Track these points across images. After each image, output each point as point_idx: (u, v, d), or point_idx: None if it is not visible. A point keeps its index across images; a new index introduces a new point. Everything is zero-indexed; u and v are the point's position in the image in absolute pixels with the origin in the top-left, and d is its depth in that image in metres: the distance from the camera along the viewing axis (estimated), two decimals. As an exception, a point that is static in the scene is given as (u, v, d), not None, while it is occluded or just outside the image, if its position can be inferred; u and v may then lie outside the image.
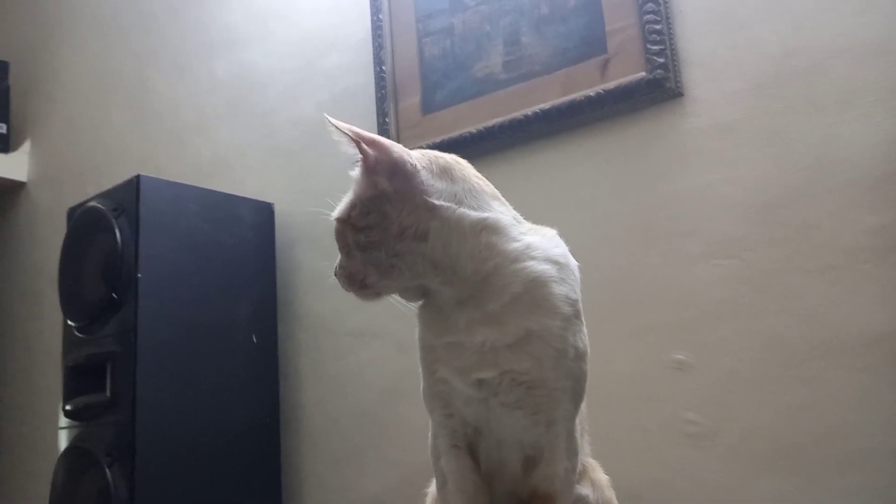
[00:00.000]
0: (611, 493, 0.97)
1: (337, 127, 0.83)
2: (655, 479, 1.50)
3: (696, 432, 1.47)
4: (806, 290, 1.39)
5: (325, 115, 0.89)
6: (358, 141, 0.83)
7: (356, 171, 0.85)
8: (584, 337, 0.86)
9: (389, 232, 0.81)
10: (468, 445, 0.86)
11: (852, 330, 1.34)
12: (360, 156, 0.83)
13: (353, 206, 0.84)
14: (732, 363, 1.45)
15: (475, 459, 0.86)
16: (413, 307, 0.90)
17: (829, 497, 1.33)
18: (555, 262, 0.84)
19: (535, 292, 0.81)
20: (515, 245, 0.83)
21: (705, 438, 1.47)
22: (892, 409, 1.30)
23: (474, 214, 0.83)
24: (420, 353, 0.88)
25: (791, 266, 1.41)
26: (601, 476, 0.98)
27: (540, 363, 0.79)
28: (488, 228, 0.82)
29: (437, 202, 0.82)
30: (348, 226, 0.84)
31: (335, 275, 0.87)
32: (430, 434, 0.91)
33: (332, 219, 0.87)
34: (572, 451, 0.85)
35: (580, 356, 0.84)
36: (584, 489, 0.94)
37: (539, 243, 0.85)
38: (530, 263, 0.82)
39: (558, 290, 0.82)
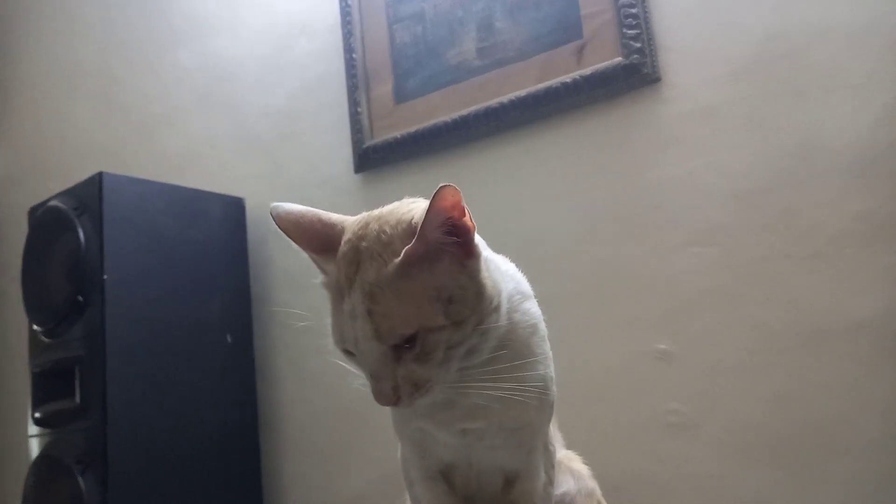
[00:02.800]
0: (593, 483, 0.95)
1: (467, 214, 0.69)
2: (639, 471, 1.48)
3: (680, 422, 1.46)
4: (790, 278, 1.38)
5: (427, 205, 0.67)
6: (473, 228, 0.69)
7: (444, 263, 0.68)
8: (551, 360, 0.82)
9: (480, 312, 0.69)
10: (442, 473, 0.82)
11: (837, 317, 1.33)
12: (455, 240, 0.68)
13: (446, 301, 0.67)
14: (716, 352, 1.44)
15: (450, 483, 0.82)
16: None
17: (816, 486, 1.32)
18: (526, 296, 0.79)
19: (523, 340, 0.76)
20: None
21: (689, 429, 1.45)
22: (879, 396, 1.29)
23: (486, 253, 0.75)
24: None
25: (775, 253, 1.39)
26: (580, 466, 0.97)
27: (526, 407, 0.76)
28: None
29: (484, 254, 0.73)
30: (447, 328, 0.67)
31: (380, 393, 0.69)
32: (399, 453, 0.88)
33: (425, 328, 0.67)
34: (549, 465, 0.84)
35: (552, 383, 0.81)
36: (566, 483, 0.92)
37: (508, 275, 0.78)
38: (515, 314, 0.75)
39: (539, 327, 0.79)
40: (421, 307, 0.66)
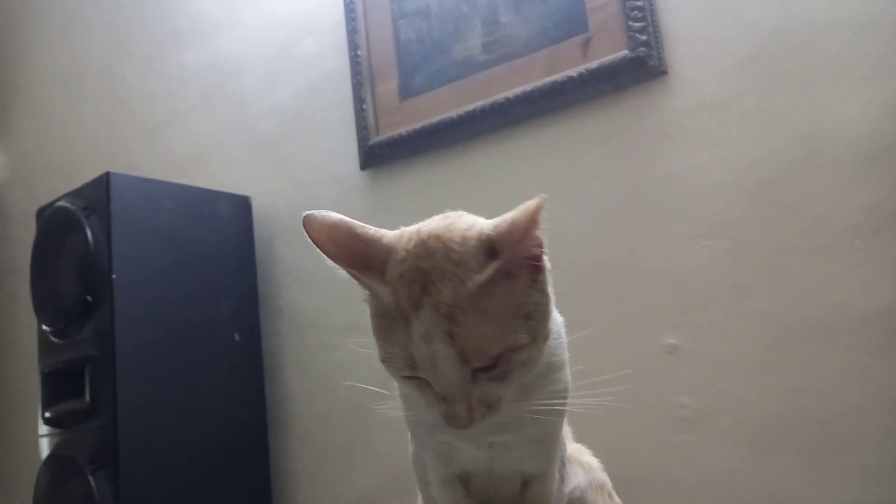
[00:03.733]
0: (604, 476, 0.95)
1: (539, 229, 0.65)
2: (650, 465, 1.48)
3: (690, 417, 1.45)
4: (798, 270, 1.37)
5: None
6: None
7: (521, 278, 0.66)
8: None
9: (547, 326, 0.68)
10: (459, 476, 0.82)
11: (846, 309, 1.32)
12: (531, 255, 0.66)
13: (525, 318, 0.65)
14: (726, 346, 1.43)
15: (466, 486, 0.82)
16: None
17: (826, 477, 1.32)
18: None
19: (553, 349, 0.74)
20: None
21: (699, 422, 1.44)
22: (888, 387, 1.28)
23: None
24: (412, 416, 0.79)
25: (783, 246, 1.39)
26: (590, 459, 0.96)
27: (552, 415, 0.74)
28: None
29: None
30: (526, 346, 0.65)
31: (454, 416, 0.65)
32: (410, 452, 0.87)
33: (509, 347, 0.64)
34: (561, 463, 0.84)
35: (570, 385, 0.79)
36: (577, 476, 0.91)
37: None
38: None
39: (562, 333, 0.77)
40: (505, 326, 0.64)
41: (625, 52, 1.56)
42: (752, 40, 1.45)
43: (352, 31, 2.00)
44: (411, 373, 0.65)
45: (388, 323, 0.66)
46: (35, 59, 3.05)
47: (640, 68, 1.54)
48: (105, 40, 2.76)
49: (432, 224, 0.68)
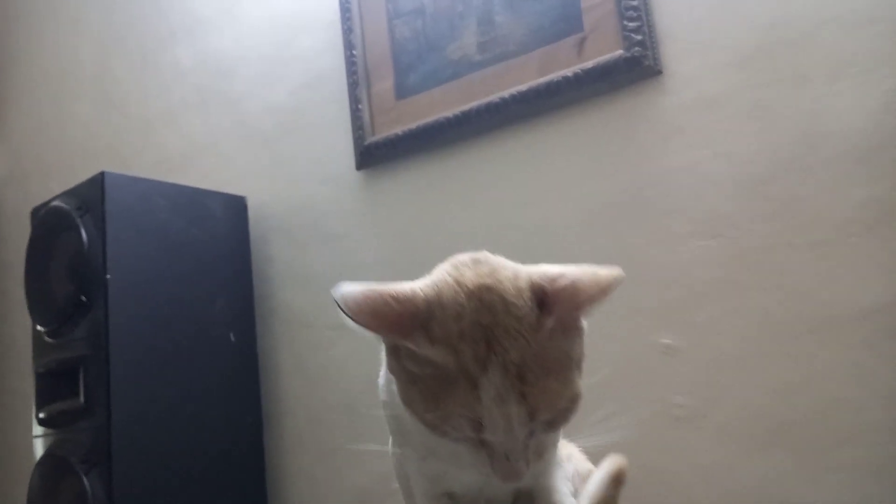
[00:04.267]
0: (588, 464, 0.93)
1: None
2: (647, 463, 1.48)
3: (686, 415, 1.45)
4: (795, 266, 1.37)
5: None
6: None
7: (575, 328, 0.66)
8: None
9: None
10: (448, 494, 0.79)
11: (843, 305, 1.32)
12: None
13: (577, 365, 0.66)
14: (722, 343, 1.43)
15: (454, 499, 0.79)
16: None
17: (824, 474, 1.32)
18: None
19: None
20: None
21: (696, 419, 1.44)
22: (886, 383, 1.28)
23: None
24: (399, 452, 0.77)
25: (780, 242, 1.39)
26: (572, 450, 0.94)
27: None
28: None
29: None
30: (581, 393, 0.65)
31: (514, 472, 0.62)
32: (393, 460, 0.85)
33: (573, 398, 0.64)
34: (559, 466, 0.82)
35: None
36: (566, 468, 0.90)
37: None
38: None
39: None
40: (566, 378, 0.62)
41: (620, 52, 1.56)
42: (748, 37, 1.45)
43: (347, 31, 2.00)
44: (475, 435, 0.61)
45: (446, 386, 0.60)
46: (29, 58, 3.04)
47: (636, 68, 1.55)
48: (99, 39, 2.75)
49: (469, 272, 0.64)
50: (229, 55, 2.32)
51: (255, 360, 2.08)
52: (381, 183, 1.95)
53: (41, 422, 1.90)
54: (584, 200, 1.61)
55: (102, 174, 1.84)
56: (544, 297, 0.62)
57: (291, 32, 2.18)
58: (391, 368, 0.66)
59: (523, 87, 1.69)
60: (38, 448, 1.90)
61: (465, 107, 1.77)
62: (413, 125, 1.85)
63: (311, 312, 2.05)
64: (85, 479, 1.70)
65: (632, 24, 1.55)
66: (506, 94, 1.71)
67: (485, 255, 0.67)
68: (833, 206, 1.34)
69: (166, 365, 1.85)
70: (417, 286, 0.64)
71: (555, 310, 0.61)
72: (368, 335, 0.63)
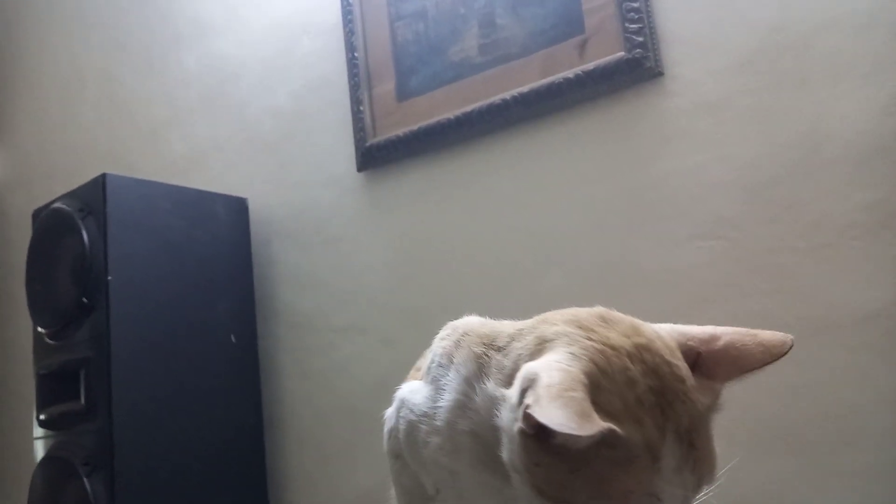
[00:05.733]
0: None
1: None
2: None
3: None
4: (797, 269, 1.36)
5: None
6: None
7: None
8: None
9: None
10: None
11: (845, 308, 1.32)
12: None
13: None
14: (723, 347, 1.42)
15: None
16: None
17: (826, 477, 1.31)
18: None
19: None
20: None
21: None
22: (889, 386, 1.28)
23: None
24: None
25: (782, 245, 1.38)
26: None
27: None
28: None
29: None
30: None
31: None
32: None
33: None
34: None
35: None
36: None
37: None
38: None
39: None
40: (715, 441, 0.60)
41: (621, 54, 1.56)
42: (749, 40, 1.45)
43: (349, 33, 2.00)
44: None
45: (622, 464, 0.53)
46: (34, 60, 3.05)
47: (637, 70, 1.54)
48: (104, 42, 2.76)
49: (610, 332, 0.60)
50: (233, 59, 2.33)
51: (257, 361, 2.08)
52: (382, 185, 1.95)
53: (42, 424, 1.90)
54: (586, 203, 1.61)
55: (104, 176, 1.84)
56: (697, 359, 0.60)
57: (294, 36, 2.18)
58: (521, 465, 0.56)
59: (525, 89, 1.68)
60: (39, 450, 1.91)
61: (467, 109, 1.77)
62: (414, 127, 1.85)
63: (313, 314, 2.04)
64: (87, 482, 1.70)
65: (633, 27, 1.55)
66: (507, 95, 1.71)
67: (605, 310, 0.63)
68: (835, 209, 1.34)
69: (168, 367, 1.85)
70: (563, 362, 0.56)
71: (718, 373, 0.59)
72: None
